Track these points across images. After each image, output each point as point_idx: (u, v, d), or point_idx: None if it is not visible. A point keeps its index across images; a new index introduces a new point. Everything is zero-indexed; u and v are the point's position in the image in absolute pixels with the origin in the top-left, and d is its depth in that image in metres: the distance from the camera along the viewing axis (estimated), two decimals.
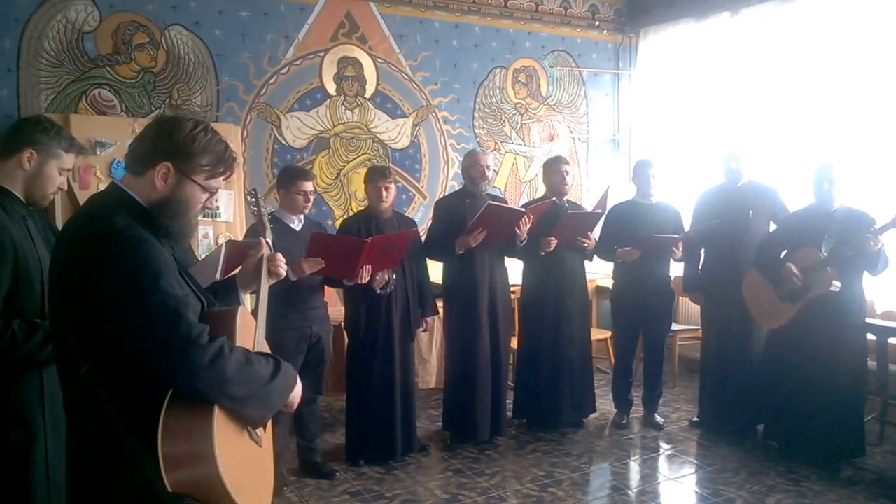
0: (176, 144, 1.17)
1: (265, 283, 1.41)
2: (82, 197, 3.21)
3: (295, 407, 1.30)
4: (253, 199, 1.66)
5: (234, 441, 1.13)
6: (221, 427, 1.08)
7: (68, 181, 3.21)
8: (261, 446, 1.24)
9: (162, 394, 1.07)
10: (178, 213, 1.19)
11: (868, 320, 3.14)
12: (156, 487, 1.05)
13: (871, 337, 3.18)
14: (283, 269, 1.47)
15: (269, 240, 1.52)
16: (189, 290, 1.18)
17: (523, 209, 3.13)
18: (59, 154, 1.67)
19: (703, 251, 3.45)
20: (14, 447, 1.54)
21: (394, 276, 2.93)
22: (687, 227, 3.47)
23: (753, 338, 3.29)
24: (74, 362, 1.11)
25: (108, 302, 1.08)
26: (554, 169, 3.42)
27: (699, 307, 3.62)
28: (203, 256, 3.01)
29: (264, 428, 1.27)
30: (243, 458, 1.16)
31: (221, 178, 1.23)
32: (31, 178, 1.66)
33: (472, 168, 3.27)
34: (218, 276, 1.93)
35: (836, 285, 2.81)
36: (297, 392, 1.27)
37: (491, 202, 3.05)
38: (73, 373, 1.12)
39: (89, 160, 3.34)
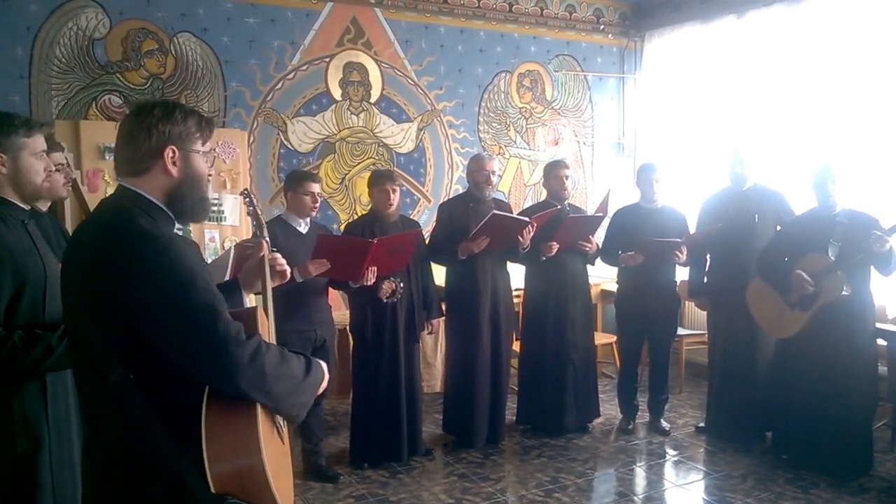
0: (164, 129, 1.18)
1: (269, 284, 1.42)
2: (91, 200, 3.24)
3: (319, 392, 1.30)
4: (247, 200, 1.66)
5: (269, 438, 1.15)
6: (262, 425, 1.09)
7: (77, 185, 3.25)
8: (284, 444, 1.26)
9: (197, 395, 1.06)
10: (198, 188, 1.21)
11: (878, 325, 3.09)
12: (193, 490, 1.04)
13: (881, 342, 3.14)
14: (287, 268, 1.47)
15: (266, 237, 1.52)
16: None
17: (527, 219, 3.10)
18: (24, 143, 1.59)
19: (708, 256, 3.43)
20: (20, 455, 1.53)
21: (401, 285, 2.91)
22: (692, 232, 3.45)
23: (761, 343, 3.25)
24: (101, 369, 1.09)
25: (146, 304, 1.06)
26: (553, 174, 3.40)
27: (706, 312, 3.60)
28: (211, 260, 3.04)
29: (286, 424, 1.27)
30: (276, 455, 1.17)
31: (210, 137, 1.26)
32: (14, 178, 1.59)
33: (477, 173, 3.27)
34: (227, 278, 1.95)
35: (847, 290, 2.78)
36: (325, 383, 1.28)
37: (496, 212, 3.03)
38: (100, 380, 1.09)
39: (98, 164, 3.39)
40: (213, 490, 1.03)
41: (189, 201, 1.20)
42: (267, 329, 1.32)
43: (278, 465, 1.16)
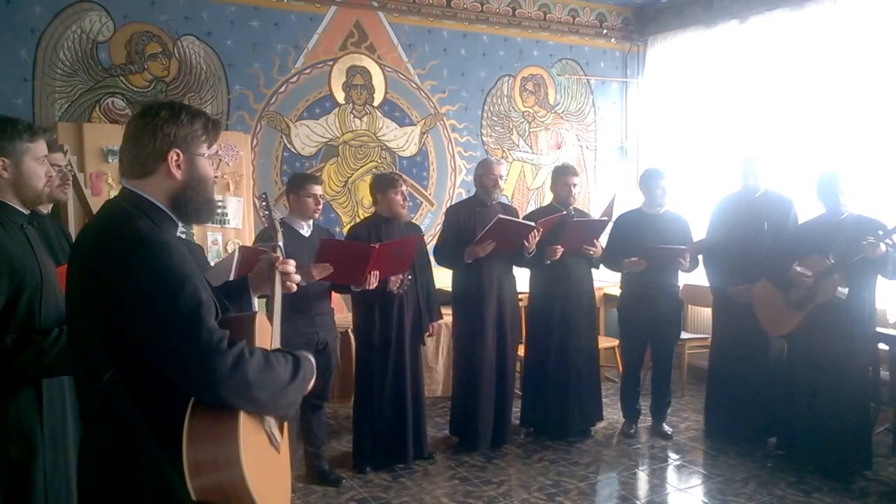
0: (169, 132, 1.17)
1: (279, 290, 1.39)
2: (94, 203, 3.25)
3: (309, 390, 1.28)
4: (264, 203, 1.63)
5: (256, 448, 1.13)
6: (246, 433, 1.07)
7: (80, 187, 3.26)
8: (279, 452, 1.24)
9: (185, 399, 1.06)
10: (203, 191, 1.20)
11: (881, 330, 3.09)
12: (177, 494, 1.04)
13: (883, 347, 3.14)
14: (295, 285, 1.44)
15: (280, 243, 1.50)
16: (210, 293, 1.17)
17: (533, 223, 3.10)
18: (28, 148, 1.60)
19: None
20: (15, 461, 1.53)
21: (409, 276, 2.93)
22: (697, 236, 3.44)
23: (765, 348, 3.24)
24: (96, 370, 1.10)
25: (133, 308, 1.06)
26: (561, 181, 3.40)
27: (710, 316, 3.57)
28: (214, 262, 3.04)
29: (282, 433, 1.26)
30: (264, 465, 1.16)
31: (217, 139, 1.24)
32: (16, 183, 1.59)
33: (486, 177, 3.28)
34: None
35: (843, 292, 2.78)
36: (313, 379, 1.26)
37: (501, 216, 3.04)
38: (95, 380, 1.10)
39: (101, 167, 3.40)
40: (193, 498, 1.02)
41: (194, 204, 1.20)
42: (270, 336, 1.29)
43: (267, 476, 1.14)
